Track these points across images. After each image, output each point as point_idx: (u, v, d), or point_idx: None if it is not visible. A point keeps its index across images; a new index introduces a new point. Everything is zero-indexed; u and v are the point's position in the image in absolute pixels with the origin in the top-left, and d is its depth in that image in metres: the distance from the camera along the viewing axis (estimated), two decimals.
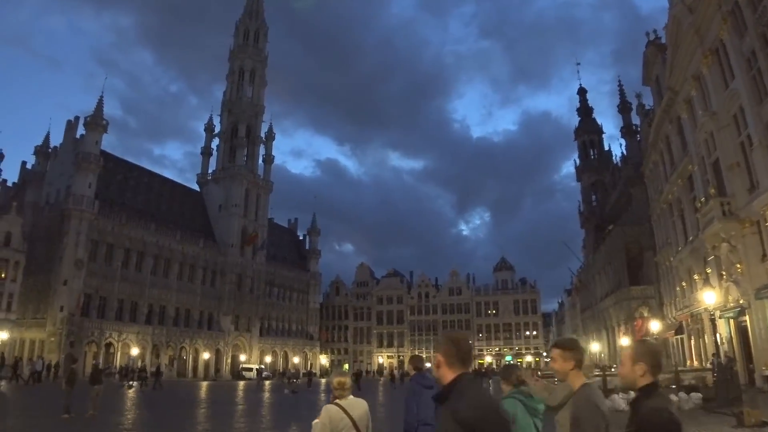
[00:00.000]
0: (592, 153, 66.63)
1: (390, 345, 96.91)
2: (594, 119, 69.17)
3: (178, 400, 28.26)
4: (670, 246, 34.87)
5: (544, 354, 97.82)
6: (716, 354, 22.09)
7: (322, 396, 31.52)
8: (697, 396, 18.12)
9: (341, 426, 3.87)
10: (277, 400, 28.94)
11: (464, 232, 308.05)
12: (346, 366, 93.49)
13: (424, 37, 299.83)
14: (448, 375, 2.46)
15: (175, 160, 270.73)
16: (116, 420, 17.25)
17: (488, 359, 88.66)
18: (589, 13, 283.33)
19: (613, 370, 29.17)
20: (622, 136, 54.10)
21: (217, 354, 70.63)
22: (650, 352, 2.70)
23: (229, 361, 72.03)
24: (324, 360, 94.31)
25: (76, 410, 16.21)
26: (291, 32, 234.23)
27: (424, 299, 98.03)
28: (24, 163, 66.90)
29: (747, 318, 22.21)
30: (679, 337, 34.01)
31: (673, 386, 19.27)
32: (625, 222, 46.99)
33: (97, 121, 59.97)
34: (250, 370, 65.95)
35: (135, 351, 57.24)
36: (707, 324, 27.67)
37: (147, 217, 65.94)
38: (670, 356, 36.00)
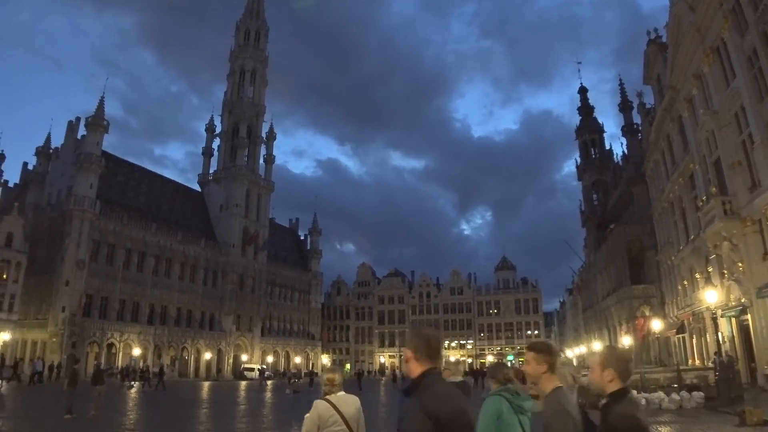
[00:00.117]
0: (593, 152, 66.52)
1: (391, 345, 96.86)
2: (595, 118, 69.05)
3: (180, 401, 28.29)
4: (672, 245, 34.83)
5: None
6: (718, 353, 22.08)
7: None
8: (699, 395, 18.11)
9: (330, 421, 3.93)
10: (279, 400, 28.96)
11: (465, 232, 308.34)
12: (348, 366, 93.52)
13: (426, 37, 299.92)
14: (416, 369, 2.52)
15: (177, 161, 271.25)
16: (118, 420, 17.28)
17: (490, 359, 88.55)
18: (591, 11, 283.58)
19: None
20: (623, 135, 53.99)
21: (219, 354, 70.69)
22: (619, 359, 2.74)
23: (230, 361, 72.06)
24: (326, 360, 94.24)
25: (79, 410, 16.23)
26: (292, 32, 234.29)
27: (425, 299, 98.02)
28: (25, 163, 67.25)
29: (749, 317, 22.19)
30: (680, 336, 33.98)
31: (675, 385, 19.25)
32: (627, 221, 46.95)
33: (98, 122, 60.05)
34: (252, 370, 65.97)
35: (137, 351, 57.31)
36: (709, 323, 27.66)
37: (148, 217, 66.01)
38: (672, 355, 35.98)
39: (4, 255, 50.52)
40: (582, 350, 69.38)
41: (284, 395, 32.50)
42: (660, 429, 13.77)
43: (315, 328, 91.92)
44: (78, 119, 63.16)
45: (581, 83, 75.82)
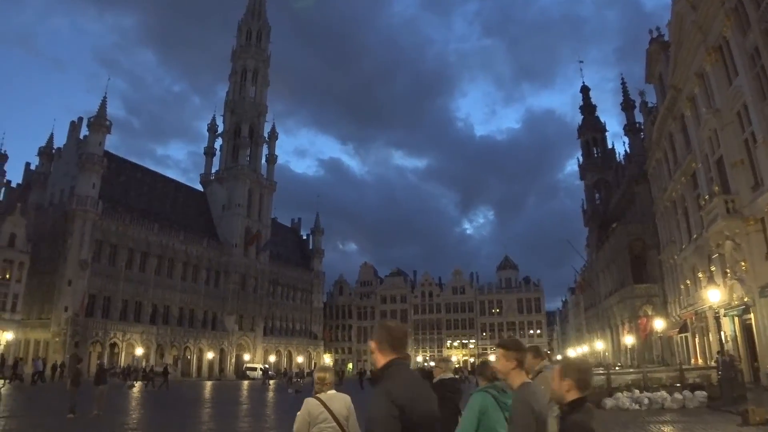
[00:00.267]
0: (595, 151, 66.42)
1: None
2: (597, 117, 68.95)
3: (183, 400, 28.33)
4: (674, 244, 34.77)
5: (548, 353, 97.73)
6: (721, 352, 22.02)
7: None
8: (701, 394, 18.08)
9: (320, 418, 4.05)
10: (281, 400, 28.98)
11: (468, 231, 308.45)
12: (350, 365, 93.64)
13: (428, 36, 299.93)
14: (380, 360, 2.63)
15: (179, 160, 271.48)
16: (121, 420, 17.30)
17: (492, 358, 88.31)
18: (593, 10, 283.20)
19: (617, 368, 29.17)
20: (625, 134, 53.92)
21: (221, 354, 70.76)
22: (578, 370, 2.80)
23: (233, 360, 72.13)
24: (328, 359, 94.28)
25: (81, 410, 16.27)
26: (294, 32, 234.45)
27: (427, 298, 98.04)
28: (28, 164, 67.29)
29: (751, 316, 22.15)
30: (683, 335, 33.92)
31: (678, 384, 19.22)
32: (629, 220, 46.87)
33: (100, 122, 60.18)
34: (254, 369, 66.06)
35: (139, 351, 57.45)
36: (712, 322, 27.61)
37: (150, 217, 66.13)
38: (674, 354, 35.93)
39: (7, 255, 50.64)
40: (584, 350, 69.36)
41: (286, 394, 32.53)
42: (663, 428, 13.76)
43: (317, 328, 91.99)
44: (80, 119, 63.31)
45: (583, 82, 75.68)
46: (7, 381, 35.42)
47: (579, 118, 70.29)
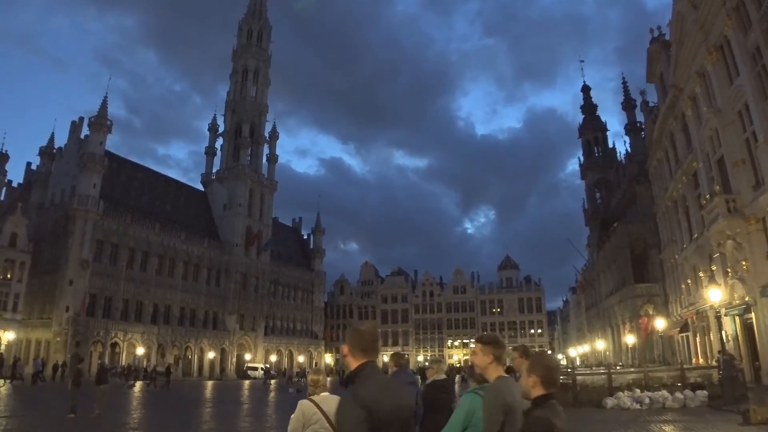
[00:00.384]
0: (596, 150, 66.39)
1: (395, 344, 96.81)
2: (598, 117, 68.92)
3: (184, 400, 28.36)
4: (675, 243, 34.76)
5: (549, 352, 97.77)
6: (722, 351, 22.00)
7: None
8: (703, 394, 18.09)
9: (314, 419, 4.15)
10: (282, 400, 28.98)
11: (469, 231, 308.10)
12: None
13: (429, 35, 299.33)
14: (352, 364, 2.69)
15: (180, 160, 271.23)
16: (122, 419, 17.33)
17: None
18: (594, 9, 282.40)
19: (618, 368, 29.17)
20: (626, 134, 53.91)
21: (222, 353, 70.82)
22: (544, 367, 2.86)
23: (234, 360, 72.18)
24: (329, 359, 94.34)
25: (83, 410, 16.29)
26: (295, 31, 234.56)
27: (428, 298, 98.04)
28: (29, 163, 67.25)
29: (752, 315, 22.14)
30: (684, 334, 33.91)
31: (679, 384, 19.23)
32: (630, 219, 46.85)
33: (101, 122, 60.22)
34: (255, 369, 66.10)
35: (140, 351, 57.52)
36: (713, 321, 27.58)
37: (151, 217, 66.19)
38: (675, 354, 35.92)
39: (8, 255, 50.69)
40: (585, 349, 69.36)
41: (287, 394, 32.56)
42: (664, 428, 13.76)
43: (318, 327, 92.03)
44: (81, 119, 63.30)
45: (584, 82, 75.56)
46: (8, 381, 35.48)
47: (580, 117, 70.31)
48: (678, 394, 18.05)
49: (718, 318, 25.91)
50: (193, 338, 66.59)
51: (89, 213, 56.63)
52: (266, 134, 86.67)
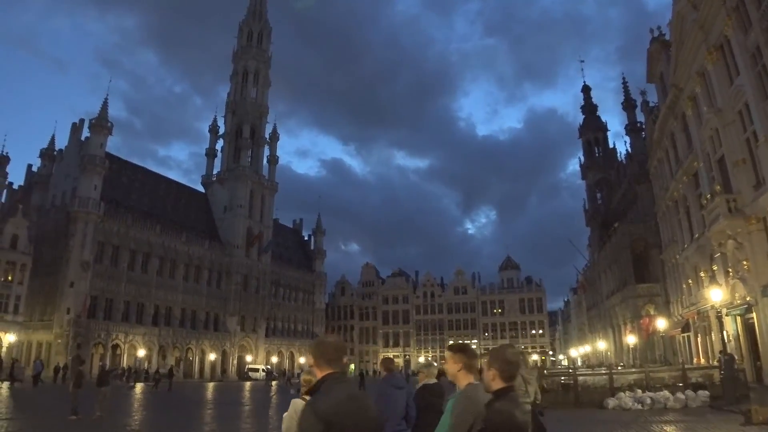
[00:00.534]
0: (596, 151, 66.38)
1: (396, 345, 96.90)
2: (598, 117, 68.94)
3: (186, 401, 28.36)
4: (676, 243, 34.72)
5: (550, 353, 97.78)
6: (723, 351, 21.99)
7: None
8: (704, 394, 18.09)
9: None
10: (283, 401, 28.97)
11: (470, 231, 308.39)
12: (353, 366, 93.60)
13: (429, 35, 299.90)
14: (318, 374, 2.72)
15: (180, 161, 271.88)
16: (124, 421, 17.34)
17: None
18: (595, 9, 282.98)
19: (619, 368, 29.14)
20: (626, 134, 53.88)
21: (224, 355, 70.84)
22: (502, 360, 2.94)
23: (235, 362, 72.21)
24: None
25: (84, 412, 16.28)
26: (295, 32, 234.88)
27: (429, 298, 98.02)
28: (30, 165, 67.41)
29: (754, 315, 22.09)
30: (686, 334, 33.86)
31: (681, 384, 19.22)
32: (631, 220, 46.82)
33: (102, 123, 60.28)
34: (257, 370, 66.12)
35: (142, 352, 57.55)
36: (714, 321, 27.55)
37: (152, 218, 66.22)
38: (677, 354, 35.87)
39: (8, 257, 50.72)
40: (586, 349, 69.30)
41: (289, 396, 32.52)
42: (665, 428, 13.75)
43: (319, 329, 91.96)
44: (82, 121, 63.40)
45: (584, 82, 75.70)
46: (7, 383, 35.42)
47: (581, 117, 70.34)
48: (679, 395, 18.04)
49: (720, 318, 25.89)
50: (194, 340, 66.62)
51: (90, 215, 56.67)
52: (267, 135, 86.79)
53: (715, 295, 21.53)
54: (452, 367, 3.31)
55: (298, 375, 55.22)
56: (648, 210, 42.71)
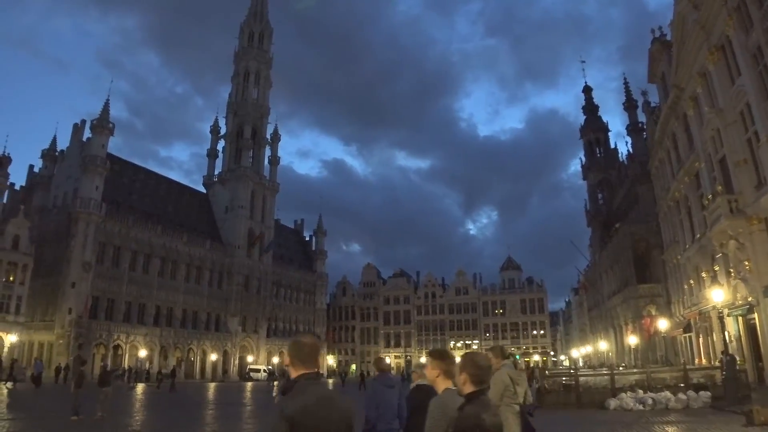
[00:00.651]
0: (598, 151, 66.32)
1: (397, 345, 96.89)
2: (600, 117, 68.87)
3: (187, 402, 28.38)
4: (678, 244, 34.68)
5: (552, 353, 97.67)
6: (725, 352, 21.97)
7: None
8: (706, 394, 18.06)
9: None
10: None
11: (471, 232, 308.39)
12: (354, 367, 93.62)
13: (431, 36, 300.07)
14: (292, 374, 2.74)
15: (182, 162, 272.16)
16: (125, 421, 17.36)
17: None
18: (596, 9, 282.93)
19: (620, 368, 29.11)
20: (628, 134, 53.78)
21: (225, 355, 70.89)
22: (473, 365, 2.99)
23: (236, 362, 72.26)
24: (331, 360, 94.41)
25: (85, 412, 16.30)
26: (296, 32, 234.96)
27: (430, 299, 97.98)
28: (31, 166, 67.42)
29: (755, 315, 22.06)
30: (687, 335, 33.83)
31: (682, 384, 19.19)
32: (632, 220, 46.77)
33: (103, 124, 60.37)
34: (258, 371, 66.14)
35: (143, 353, 57.61)
36: (716, 322, 27.53)
37: (154, 219, 66.29)
38: (678, 354, 35.84)
39: (10, 257, 50.78)
40: (588, 350, 69.25)
41: None
42: (667, 428, 13.73)
43: (320, 329, 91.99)
44: (83, 122, 63.51)
45: (585, 82, 75.94)
46: (5, 383, 35.42)
47: (582, 117, 70.29)
48: (681, 395, 18.01)
49: (721, 318, 25.86)
50: (195, 340, 66.68)
51: (91, 215, 56.74)
52: (268, 136, 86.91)
53: (717, 295, 21.49)
54: (431, 373, 3.38)
55: None
56: (649, 210, 42.67)
